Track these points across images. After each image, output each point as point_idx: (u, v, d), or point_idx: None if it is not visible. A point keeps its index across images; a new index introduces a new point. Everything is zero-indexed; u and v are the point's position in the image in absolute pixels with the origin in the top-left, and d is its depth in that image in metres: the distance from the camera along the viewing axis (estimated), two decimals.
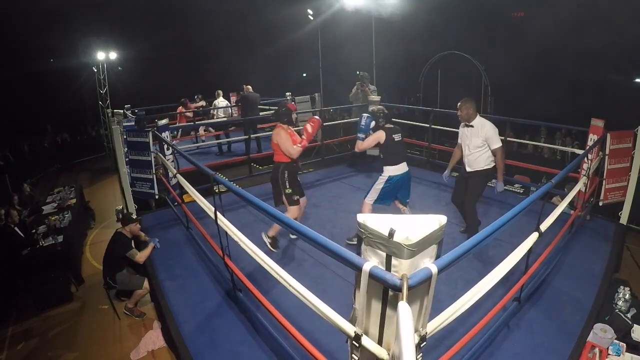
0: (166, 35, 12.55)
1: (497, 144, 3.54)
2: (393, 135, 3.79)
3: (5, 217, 5.33)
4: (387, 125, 3.85)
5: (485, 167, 3.64)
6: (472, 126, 3.61)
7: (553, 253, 3.28)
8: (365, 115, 3.90)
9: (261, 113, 8.69)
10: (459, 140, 3.90)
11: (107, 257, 4.07)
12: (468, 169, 3.74)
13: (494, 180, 3.78)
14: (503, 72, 9.73)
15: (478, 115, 3.60)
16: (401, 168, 3.83)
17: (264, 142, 7.93)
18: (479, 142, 3.57)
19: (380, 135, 3.77)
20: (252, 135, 6.92)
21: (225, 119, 9.26)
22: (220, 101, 9.13)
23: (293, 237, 4.17)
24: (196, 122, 9.10)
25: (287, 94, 9.22)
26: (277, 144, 3.69)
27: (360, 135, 3.87)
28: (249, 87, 7.82)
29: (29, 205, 7.08)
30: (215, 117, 9.12)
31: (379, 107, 4.04)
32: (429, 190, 5.47)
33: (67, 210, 6.14)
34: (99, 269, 5.17)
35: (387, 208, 4.86)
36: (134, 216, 4.25)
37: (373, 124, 3.85)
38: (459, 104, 3.67)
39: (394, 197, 3.95)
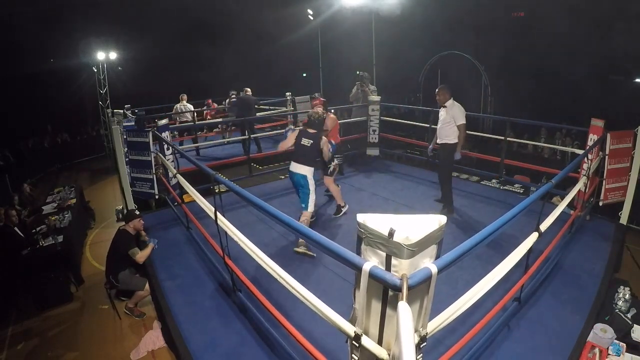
0: (166, 35, 12.53)
1: (461, 120, 4.31)
2: (303, 137, 3.99)
3: (5, 217, 5.33)
4: (308, 130, 4.03)
5: (452, 142, 4.40)
6: (445, 107, 4.38)
7: (553, 253, 3.29)
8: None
9: (259, 114, 8.67)
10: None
11: (110, 255, 4.05)
12: (438, 141, 4.61)
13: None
14: (503, 72, 9.74)
15: (451, 99, 4.37)
16: (291, 166, 4.00)
17: (263, 143, 7.94)
18: (448, 119, 4.37)
19: (295, 133, 4.06)
20: (252, 136, 6.93)
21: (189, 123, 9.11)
22: (185, 105, 9.03)
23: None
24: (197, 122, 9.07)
25: (287, 94, 9.21)
26: None
27: (287, 133, 4.26)
28: (248, 89, 7.86)
29: (29, 205, 7.08)
30: (177, 122, 9.00)
31: (315, 110, 4.21)
32: (429, 190, 5.47)
33: (67, 210, 6.14)
34: (99, 269, 5.19)
35: (386, 208, 4.92)
36: (137, 212, 4.24)
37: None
38: (437, 90, 4.43)
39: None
